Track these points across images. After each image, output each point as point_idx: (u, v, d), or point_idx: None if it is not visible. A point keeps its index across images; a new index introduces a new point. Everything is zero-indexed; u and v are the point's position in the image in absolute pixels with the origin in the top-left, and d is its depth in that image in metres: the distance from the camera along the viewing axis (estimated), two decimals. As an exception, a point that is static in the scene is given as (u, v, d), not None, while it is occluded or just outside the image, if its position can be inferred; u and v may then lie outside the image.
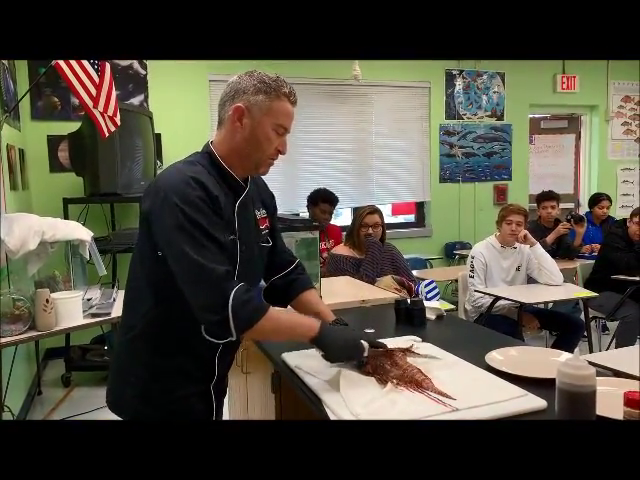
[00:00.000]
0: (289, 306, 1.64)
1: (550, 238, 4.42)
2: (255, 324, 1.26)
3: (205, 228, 1.25)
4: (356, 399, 1.25)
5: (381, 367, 1.39)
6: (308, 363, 1.46)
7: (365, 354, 1.39)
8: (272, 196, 1.65)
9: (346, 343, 1.38)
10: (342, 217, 5.93)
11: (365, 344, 1.39)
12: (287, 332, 1.37)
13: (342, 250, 3.45)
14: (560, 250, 4.42)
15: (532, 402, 1.22)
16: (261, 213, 1.53)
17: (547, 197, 4.66)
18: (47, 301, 2.41)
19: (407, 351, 1.49)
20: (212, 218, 1.28)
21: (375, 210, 3.46)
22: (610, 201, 5.15)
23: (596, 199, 5.18)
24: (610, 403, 1.12)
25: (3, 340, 2.31)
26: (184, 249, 1.24)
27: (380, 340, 1.50)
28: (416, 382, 1.32)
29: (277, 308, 1.37)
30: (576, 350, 3.55)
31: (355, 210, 5.18)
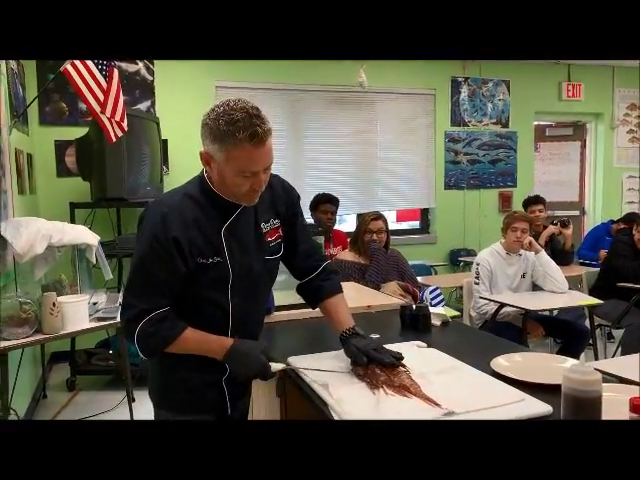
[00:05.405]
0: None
1: (541, 239, 4.40)
2: (159, 352, 1.44)
3: (146, 268, 1.38)
4: (350, 409, 1.25)
5: (372, 370, 1.41)
6: (309, 367, 1.47)
7: (272, 371, 1.41)
8: (296, 198, 1.61)
9: (249, 364, 1.40)
10: (347, 223, 5.93)
11: (275, 365, 1.41)
12: (196, 352, 1.46)
13: (347, 256, 3.46)
14: (555, 257, 4.40)
15: (537, 407, 1.22)
16: (270, 225, 1.52)
17: (534, 201, 4.74)
18: (54, 305, 2.43)
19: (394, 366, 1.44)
20: (162, 257, 1.36)
21: (379, 216, 3.47)
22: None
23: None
24: (615, 409, 1.12)
25: (10, 343, 2.33)
26: (127, 283, 1.45)
27: (385, 345, 1.51)
28: (404, 387, 1.33)
29: (191, 331, 1.42)
30: (582, 356, 3.54)
31: (360, 216, 5.19)
